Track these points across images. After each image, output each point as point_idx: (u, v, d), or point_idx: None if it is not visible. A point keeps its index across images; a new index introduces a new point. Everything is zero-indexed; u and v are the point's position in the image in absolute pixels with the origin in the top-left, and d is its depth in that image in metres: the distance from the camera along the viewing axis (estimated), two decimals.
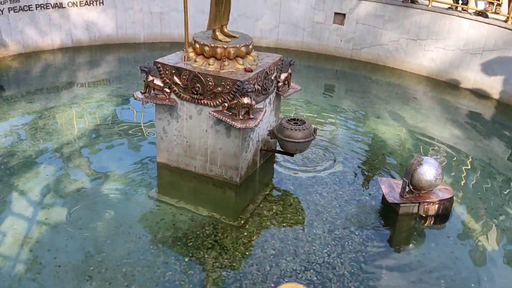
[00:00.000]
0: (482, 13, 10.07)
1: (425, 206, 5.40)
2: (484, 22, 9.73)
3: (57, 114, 7.83)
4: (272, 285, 4.39)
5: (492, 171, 6.86)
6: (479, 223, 5.58)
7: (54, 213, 5.23)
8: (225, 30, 5.41)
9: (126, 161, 6.34)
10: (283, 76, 5.88)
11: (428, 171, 5.21)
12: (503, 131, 8.61)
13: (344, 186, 6.07)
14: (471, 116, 9.15)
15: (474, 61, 10.00)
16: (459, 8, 10.39)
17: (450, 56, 10.40)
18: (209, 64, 5.05)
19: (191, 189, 5.84)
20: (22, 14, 10.34)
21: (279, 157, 6.53)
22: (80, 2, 11.00)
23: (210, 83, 4.92)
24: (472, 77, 10.09)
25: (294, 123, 5.57)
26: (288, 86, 6.05)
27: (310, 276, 4.53)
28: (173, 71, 5.07)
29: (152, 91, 5.26)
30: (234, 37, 5.40)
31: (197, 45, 5.18)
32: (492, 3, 10.05)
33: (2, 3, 9.94)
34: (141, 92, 5.24)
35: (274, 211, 5.48)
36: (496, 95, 9.70)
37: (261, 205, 5.56)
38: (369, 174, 6.45)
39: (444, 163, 6.95)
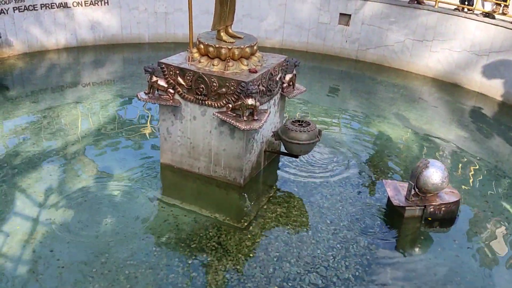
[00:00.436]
0: (489, 14, 9.99)
1: (431, 210, 5.34)
2: (491, 23, 9.65)
3: (61, 114, 7.82)
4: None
5: (499, 173, 6.79)
6: (485, 227, 5.52)
7: (57, 214, 5.22)
8: (230, 30, 5.38)
9: (130, 161, 6.32)
10: (288, 77, 5.84)
11: (435, 174, 5.16)
12: (509, 133, 8.53)
13: (349, 188, 6.02)
14: (477, 118, 9.08)
15: (481, 62, 9.91)
16: (466, 9, 10.31)
17: (456, 58, 10.32)
18: (213, 65, 5.01)
19: (194, 190, 5.80)
20: (27, 14, 10.35)
21: (287, 159, 6.49)
22: (85, 2, 11.00)
23: (214, 84, 4.89)
24: (478, 78, 10.00)
25: (298, 124, 5.53)
26: (293, 87, 6.01)
27: (314, 280, 4.48)
28: (177, 72, 5.04)
29: (156, 92, 5.23)
30: (238, 37, 5.36)
31: (202, 46, 5.15)
32: (500, 4, 9.96)
33: (7, 2, 9.95)
34: (145, 92, 5.21)
35: (278, 213, 5.44)
36: (502, 97, 9.61)
37: (265, 207, 5.53)
38: (374, 176, 6.40)
39: (450, 165, 6.88)
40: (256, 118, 4.89)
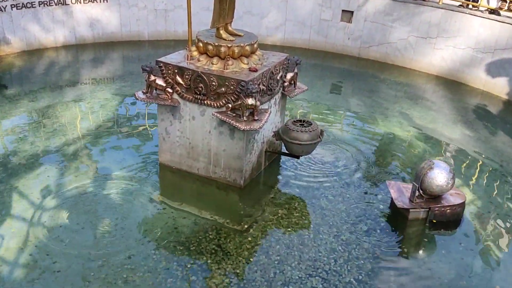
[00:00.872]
0: (494, 11, 9.83)
1: (436, 212, 5.22)
2: (497, 20, 9.49)
3: (60, 113, 7.73)
4: None
5: (504, 173, 6.67)
6: (490, 229, 5.40)
7: (54, 216, 5.12)
8: (230, 28, 5.25)
9: (129, 162, 6.22)
10: (289, 75, 5.71)
11: (439, 175, 5.04)
12: None
13: (351, 189, 5.90)
14: (482, 117, 8.94)
15: (485, 60, 9.77)
16: (470, 6, 10.16)
17: (460, 55, 10.17)
18: (212, 64, 4.89)
19: (194, 191, 5.69)
20: (25, 11, 10.23)
21: (288, 159, 6.37)
22: None
23: (213, 83, 4.77)
24: (483, 76, 9.86)
25: (300, 124, 5.41)
26: (294, 86, 5.89)
27: (316, 284, 4.38)
28: (176, 71, 4.92)
29: (154, 91, 5.11)
30: (238, 35, 5.24)
31: (201, 44, 5.03)
32: (505, 1, 9.80)
33: (5, 0, 9.83)
34: (142, 92, 5.10)
35: (279, 215, 5.33)
36: (507, 95, 9.47)
37: (265, 209, 5.41)
38: (377, 176, 6.27)
39: (454, 165, 6.76)
40: (256, 118, 4.77)
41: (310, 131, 5.33)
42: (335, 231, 5.10)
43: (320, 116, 8.18)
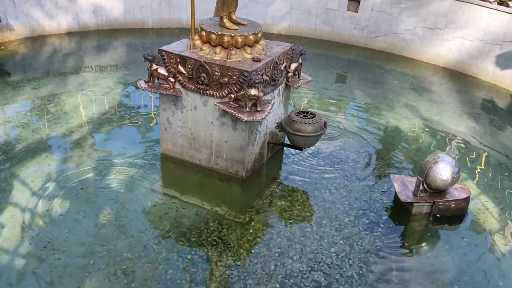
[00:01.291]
0: (503, 2, 9.65)
1: (440, 206, 5.16)
2: (506, 12, 9.31)
3: (62, 101, 7.68)
4: (277, 285, 4.22)
5: (510, 167, 6.57)
6: (494, 224, 5.33)
7: (55, 204, 5.09)
8: (233, 17, 5.15)
9: (131, 151, 6.18)
10: (293, 66, 5.62)
11: (444, 170, 4.96)
12: None
13: (354, 182, 5.84)
14: (489, 109, 8.82)
15: (493, 52, 9.61)
16: None
17: (468, 47, 10.01)
18: (215, 53, 4.81)
19: (195, 182, 5.65)
20: None
21: (291, 150, 6.31)
22: None
23: (216, 73, 4.68)
24: (491, 68, 9.71)
25: (303, 116, 5.33)
26: (299, 77, 5.79)
27: (317, 277, 4.34)
28: (178, 60, 4.84)
29: (156, 80, 5.04)
30: (242, 24, 5.14)
31: (204, 33, 4.94)
32: None
33: None
34: (144, 81, 5.03)
35: (281, 207, 5.28)
36: None
37: (267, 201, 5.37)
38: (381, 169, 6.20)
39: (458, 157, 6.67)
40: (259, 109, 4.69)
41: (314, 123, 5.26)
42: (337, 224, 5.06)
43: (325, 107, 8.09)
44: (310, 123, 5.20)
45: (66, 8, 10.75)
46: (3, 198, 5.15)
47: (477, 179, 6.24)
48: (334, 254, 4.64)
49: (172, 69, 4.89)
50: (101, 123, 6.97)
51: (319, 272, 4.41)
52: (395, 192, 5.37)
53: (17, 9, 10.07)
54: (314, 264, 4.49)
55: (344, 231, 4.97)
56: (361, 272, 4.44)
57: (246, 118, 4.62)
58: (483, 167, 6.59)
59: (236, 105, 4.73)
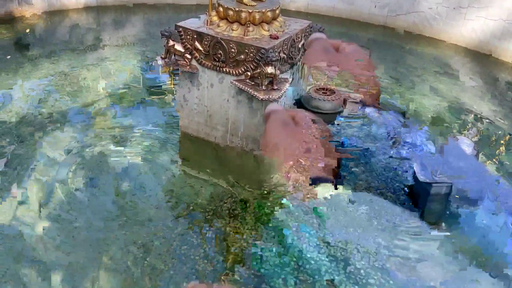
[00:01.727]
0: None
1: (459, 187, 5.08)
2: None
3: (81, 75, 7.78)
4: (294, 259, 4.25)
5: None
6: None
7: (75, 175, 5.21)
8: None
9: (150, 125, 6.26)
10: None
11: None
12: None
13: (373, 160, 5.78)
14: None
15: None
16: None
17: (492, 27, 9.70)
18: (232, 30, 4.75)
19: (212, 158, 5.68)
20: None
21: None
22: None
23: (232, 50, 4.64)
24: None
25: (322, 92, 5.26)
26: None
27: (334, 252, 4.36)
28: (195, 36, 4.80)
29: (173, 57, 5.02)
30: (260, 0, 5.05)
31: (221, 9, 4.88)
32: None
33: None
34: (161, 57, 5.02)
35: (299, 182, 5.27)
36: None
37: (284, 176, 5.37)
38: (401, 149, 6.13)
39: (479, 139, 6.56)
40: (275, 87, 4.64)
41: (333, 100, 5.19)
42: (356, 200, 5.03)
43: (345, 83, 7.99)
44: (329, 100, 5.14)
45: None
46: (26, 168, 5.29)
47: (497, 161, 6.14)
48: (351, 229, 4.63)
49: (188, 46, 4.86)
50: (120, 97, 7.07)
51: (335, 247, 4.42)
52: (414, 171, 5.31)
53: None
54: (332, 239, 4.50)
55: (362, 207, 4.95)
56: (377, 248, 4.44)
57: (262, 96, 4.58)
58: (504, 149, 6.47)
59: (252, 83, 4.69)
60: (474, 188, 5.09)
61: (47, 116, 6.38)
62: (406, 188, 5.32)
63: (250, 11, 4.76)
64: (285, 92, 4.76)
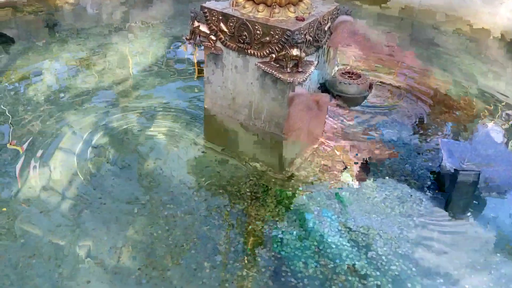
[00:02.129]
0: None
1: (487, 175, 4.95)
2: None
3: (109, 53, 7.89)
4: (315, 243, 4.28)
5: None
6: None
7: (101, 152, 5.36)
8: None
9: (176, 104, 6.38)
10: None
11: None
12: None
13: (400, 144, 5.72)
14: None
15: None
16: None
17: None
18: (258, 11, 4.68)
19: (236, 140, 5.70)
20: None
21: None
22: None
23: (258, 31, 4.58)
24: None
25: (348, 76, 5.16)
26: None
27: (355, 237, 4.36)
28: (220, 18, 4.75)
29: (198, 38, 5.00)
30: None
31: None
32: None
33: None
34: (186, 38, 5.01)
35: (322, 166, 5.27)
36: None
37: (309, 159, 5.38)
38: (430, 134, 6.00)
39: (509, 126, 6.36)
40: (300, 70, 4.57)
41: (358, 84, 5.09)
42: (379, 186, 5.00)
43: (372, 67, 7.83)
44: (354, 84, 5.04)
45: None
46: (53, 144, 5.47)
47: None
48: (374, 215, 4.62)
49: (214, 27, 4.83)
50: (147, 76, 7.17)
51: (357, 232, 4.42)
52: (442, 157, 5.20)
53: None
54: (353, 224, 4.51)
55: (385, 193, 4.92)
56: (401, 234, 4.42)
57: (287, 79, 4.53)
58: None
59: (277, 65, 4.63)
60: (502, 176, 4.94)
61: (73, 95, 6.53)
62: (431, 176, 5.23)
63: None
64: (310, 74, 4.68)
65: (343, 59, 8.02)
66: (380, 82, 7.16)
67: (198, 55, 7.96)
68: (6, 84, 6.79)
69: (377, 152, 5.56)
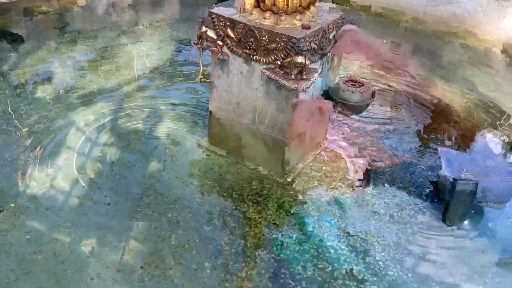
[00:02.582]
0: None
1: (486, 185, 5.02)
2: None
3: (117, 54, 8.01)
4: (314, 246, 4.36)
5: None
6: None
7: (107, 152, 5.47)
8: None
9: (181, 106, 6.50)
10: None
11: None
12: None
13: (400, 152, 5.80)
14: None
15: None
16: None
17: None
18: (265, 18, 4.78)
19: (240, 143, 5.79)
20: None
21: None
22: None
23: (264, 38, 4.68)
24: None
25: (351, 84, 5.25)
26: None
27: (353, 242, 4.45)
28: (227, 23, 4.86)
29: (205, 43, 5.11)
30: None
31: None
32: None
33: None
34: (193, 42, 5.11)
35: (323, 171, 5.36)
36: None
37: (310, 165, 5.47)
38: (429, 142, 6.09)
39: (507, 138, 6.42)
40: (304, 77, 4.67)
41: (361, 92, 5.17)
42: (378, 193, 5.10)
43: (375, 76, 7.92)
44: (357, 92, 5.13)
45: None
46: (61, 143, 5.59)
47: None
48: (373, 222, 4.71)
49: (221, 32, 4.93)
50: (154, 77, 7.28)
51: (355, 237, 4.51)
52: (441, 166, 5.28)
53: None
54: (352, 229, 4.60)
55: (384, 200, 5.01)
56: (399, 242, 4.50)
57: (291, 85, 4.63)
58: None
59: (282, 72, 4.73)
60: (500, 187, 5.01)
61: (80, 95, 6.65)
62: (430, 184, 5.31)
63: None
64: (314, 82, 4.78)
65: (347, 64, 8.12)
66: (381, 89, 7.25)
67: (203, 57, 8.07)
68: (15, 81, 6.92)
69: (377, 159, 5.65)
